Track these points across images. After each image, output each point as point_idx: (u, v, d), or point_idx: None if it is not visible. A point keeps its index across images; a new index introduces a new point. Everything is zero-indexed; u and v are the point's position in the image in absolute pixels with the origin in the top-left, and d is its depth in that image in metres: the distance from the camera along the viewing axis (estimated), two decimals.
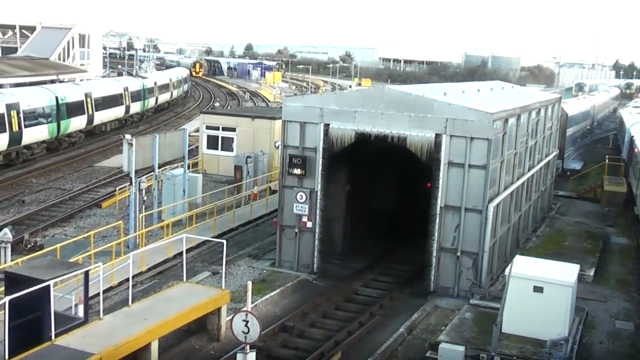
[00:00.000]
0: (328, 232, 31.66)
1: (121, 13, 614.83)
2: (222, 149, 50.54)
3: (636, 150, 48.20)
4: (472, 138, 27.66)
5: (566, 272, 23.96)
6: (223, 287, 24.80)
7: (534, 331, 22.55)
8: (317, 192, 30.35)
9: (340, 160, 30.86)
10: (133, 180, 33.75)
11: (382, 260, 33.40)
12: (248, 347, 18.83)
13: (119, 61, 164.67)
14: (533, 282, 22.90)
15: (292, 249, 31.12)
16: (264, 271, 30.81)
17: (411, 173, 33.49)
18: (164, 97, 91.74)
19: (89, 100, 63.82)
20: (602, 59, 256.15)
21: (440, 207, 28.37)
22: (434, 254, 28.71)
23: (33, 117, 53.62)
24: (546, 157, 42.49)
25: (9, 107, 50.32)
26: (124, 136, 34.85)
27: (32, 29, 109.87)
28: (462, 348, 21.60)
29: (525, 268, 23.54)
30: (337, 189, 32.22)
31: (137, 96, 77.97)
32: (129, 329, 20.20)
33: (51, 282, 18.41)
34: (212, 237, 32.01)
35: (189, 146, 40.52)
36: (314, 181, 30.34)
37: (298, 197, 30.46)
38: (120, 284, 27.65)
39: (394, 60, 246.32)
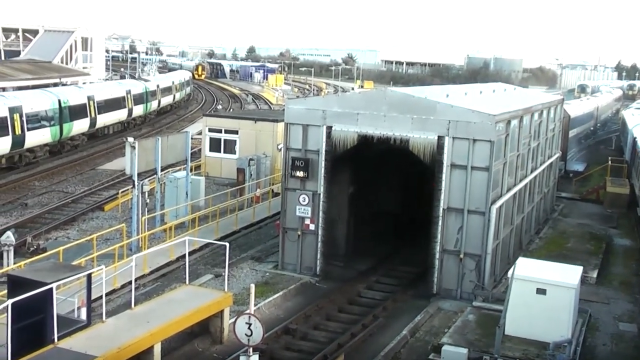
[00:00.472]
0: (331, 235, 31.66)
1: (124, 16, 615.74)
2: (224, 152, 50.58)
3: (639, 151, 48.19)
4: (474, 140, 27.64)
5: (569, 274, 23.93)
6: (226, 289, 24.78)
7: (537, 333, 22.52)
8: (319, 194, 30.34)
9: (343, 163, 30.84)
10: (136, 183, 33.75)
11: (385, 262, 33.37)
12: (251, 349, 18.84)
13: (121, 64, 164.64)
14: (536, 284, 22.88)
15: (295, 252, 31.11)
16: (267, 274, 30.81)
17: (414, 175, 33.48)
18: (166, 100, 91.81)
19: (91, 103, 63.88)
20: (604, 61, 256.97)
21: (443, 209, 28.34)
22: (437, 256, 28.68)
23: (36, 120, 53.65)
24: (549, 158, 42.47)
25: (12, 110, 50.36)
26: (126, 139, 34.88)
27: (35, 32, 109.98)
28: (465, 350, 21.58)
29: (528, 270, 23.51)
30: (340, 191, 32.21)
31: (139, 99, 78.04)
32: (131, 332, 20.20)
33: (54, 285, 18.41)
34: (215, 240, 32.01)
35: (191, 149, 40.48)
36: (316, 183, 30.33)
37: (301, 199, 30.45)
38: (123, 286, 27.62)
39: (396, 63, 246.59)
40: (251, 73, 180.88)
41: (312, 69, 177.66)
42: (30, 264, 26.35)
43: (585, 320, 25.18)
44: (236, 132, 50.36)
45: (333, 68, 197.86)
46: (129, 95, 74.35)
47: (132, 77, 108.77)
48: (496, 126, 27.79)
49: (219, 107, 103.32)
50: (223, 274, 26.95)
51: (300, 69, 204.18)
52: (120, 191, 42.58)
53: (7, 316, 17.16)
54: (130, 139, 34.31)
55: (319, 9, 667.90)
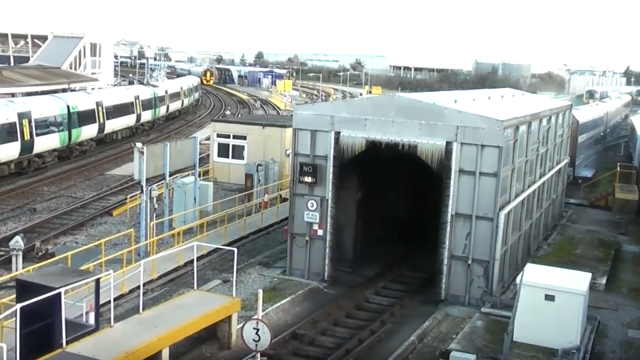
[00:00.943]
0: (339, 240, 31.65)
1: (132, 22, 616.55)
2: (233, 157, 50.62)
3: None
4: (482, 145, 27.60)
5: (578, 281, 23.86)
6: (234, 295, 24.79)
7: (546, 340, 22.45)
8: (327, 200, 30.34)
9: (351, 168, 30.84)
10: (144, 188, 33.82)
11: (393, 268, 33.34)
12: (259, 355, 18.84)
13: (130, 70, 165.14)
14: (544, 291, 22.81)
15: (303, 257, 31.10)
16: (275, 279, 30.81)
17: (422, 180, 33.44)
18: (175, 106, 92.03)
19: (100, 108, 64.06)
20: (613, 66, 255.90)
21: (451, 214, 28.31)
22: (445, 261, 28.64)
23: (45, 126, 53.85)
24: (557, 164, 42.39)
25: (21, 115, 50.55)
26: (135, 144, 34.94)
27: (44, 39, 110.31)
28: (473, 357, 21.55)
29: (537, 276, 23.45)
30: (348, 196, 32.19)
31: (148, 104, 78.23)
32: (139, 337, 20.24)
33: (62, 290, 18.46)
34: (223, 245, 32.03)
35: (199, 154, 40.59)
36: (324, 189, 30.33)
37: (309, 205, 30.46)
38: (131, 291, 27.67)
39: (404, 68, 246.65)
40: (259, 78, 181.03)
41: (320, 75, 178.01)
42: (38, 268, 26.40)
43: (594, 327, 25.10)
44: (244, 138, 50.41)
45: (341, 73, 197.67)
46: (137, 101, 74.52)
47: (141, 82, 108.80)
48: (504, 132, 27.76)
49: (227, 112, 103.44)
50: (231, 279, 26.95)
51: (309, 74, 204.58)
52: (128, 196, 42.66)
53: (16, 320, 17.21)
54: (139, 145, 34.37)
55: (327, 15, 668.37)
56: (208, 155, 53.54)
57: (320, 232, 30.69)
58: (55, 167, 55.50)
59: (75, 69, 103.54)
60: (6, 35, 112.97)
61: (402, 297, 29.66)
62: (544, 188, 38.07)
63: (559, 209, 44.88)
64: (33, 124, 51.76)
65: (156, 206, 36.10)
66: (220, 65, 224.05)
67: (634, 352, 25.25)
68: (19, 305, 17.30)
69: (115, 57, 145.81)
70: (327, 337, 25.47)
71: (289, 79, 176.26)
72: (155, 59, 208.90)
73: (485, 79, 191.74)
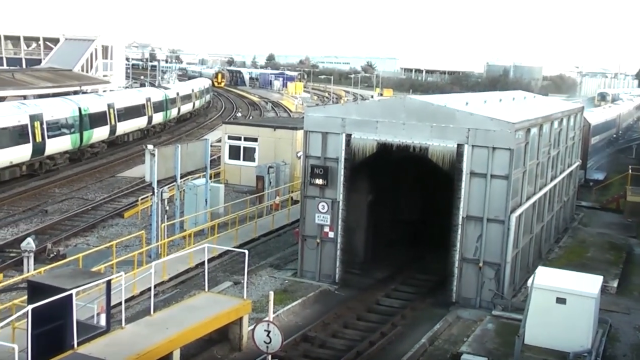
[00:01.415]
0: (350, 242, 31.62)
1: (144, 24, 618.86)
2: (244, 159, 50.66)
3: None
4: (494, 148, 27.54)
5: (589, 284, 23.81)
6: (245, 297, 24.80)
7: (557, 343, 22.42)
8: (338, 202, 30.33)
9: (362, 170, 30.82)
10: (155, 190, 33.89)
11: (404, 270, 33.30)
12: (270, 357, 18.87)
13: (141, 72, 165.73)
14: (556, 294, 22.78)
15: (314, 259, 31.09)
16: (286, 281, 30.81)
17: (433, 183, 33.40)
18: (186, 108, 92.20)
19: (111, 111, 64.26)
20: (624, 68, 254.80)
21: (463, 217, 28.26)
22: (456, 264, 28.58)
23: (56, 128, 54.06)
24: (568, 167, 42.27)
25: (33, 118, 50.74)
26: (146, 146, 35.02)
27: (55, 41, 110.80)
28: (484, 359, 21.51)
29: (548, 279, 23.41)
30: (359, 198, 32.17)
31: (159, 107, 78.42)
32: (150, 338, 20.26)
33: (73, 291, 18.50)
34: (234, 247, 32.10)
35: (211, 156, 40.62)
36: (335, 191, 30.32)
37: (320, 207, 30.45)
38: (142, 293, 27.73)
39: (415, 70, 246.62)
40: (270, 81, 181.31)
41: (332, 77, 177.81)
42: (50, 270, 26.50)
43: (606, 331, 25.04)
44: (255, 140, 50.46)
45: (352, 76, 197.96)
46: (148, 103, 74.72)
47: (152, 84, 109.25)
48: (516, 134, 27.69)
49: (239, 114, 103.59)
50: (242, 281, 26.97)
51: (320, 76, 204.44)
52: (139, 198, 42.74)
53: (28, 322, 17.27)
54: (150, 147, 34.45)
55: (338, 17, 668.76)
56: (219, 158, 53.64)
57: (331, 235, 30.67)
58: (67, 169, 55.68)
59: (87, 72, 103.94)
60: (18, 37, 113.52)
61: (413, 300, 29.60)
62: (555, 191, 37.97)
63: (570, 211, 44.76)
64: (45, 126, 51.95)
65: (167, 208, 36.15)
66: (232, 68, 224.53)
67: None
68: (30, 307, 17.35)
69: (127, 59, 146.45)
70: (338, 339, 25.43)
71: (300, 81, 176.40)
72: (166, 61, 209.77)
73: (496, 81, 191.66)
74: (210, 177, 41.10)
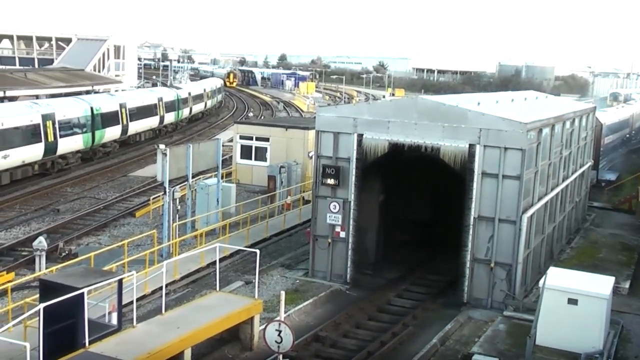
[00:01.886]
0: (361, 242, 31.61)
1: (156, 24, 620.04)
2: (255, 159, 50.71)
3: None
4: (506, 148, 27.48)
5: (601, 285, 23.71)
6: (256, 296, 24.84)
7: (568, 344, 22.33)
8: (350, 202, 30.32)
9: (374, 170, 30.80)
10: (167, 190, 33.95)
11: (415, 271, 33.26)
12: (281, 356, 18.88)
13: (153, 72, 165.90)
14: (567, 294, 22.69)
15: (325, 259, 31.09)
16: (297, 281, 30.82)
17: (444, 183, 33.36)
18: (198, 108, 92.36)
19: (123, 110, 64.42)
20: (637, 68, 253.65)
21: (474, 217, 28.20)
22: (468, 264, 28.53)
23: (68, 127, 54.24)
24: (580, 167, 42.14)
25: (45, 117, 50.92)
26: (158, 146, 35.10)
27: (68, 41, 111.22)
28: None
29: (560, 280, 23.34)
30: (371, 198, 32.16)
31: (171, 106, 78.58)
32: (162, 337, 20.30)
33: (85, 290, 18.55)
34: (246, 247, 32.07)
35: (222, 156, 40.67)
36: (347, 191, 30.31)
37: (331, 207, 30.44)
38: (153, 292, 27.80)
39: (427, 70, 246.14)
40: (282, 80, 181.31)
41: (343, 77, 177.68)
42: (62, 269, 26.55)
43: (617, 332, 24.94)
44: (267, 140, 50.48)
45: (364, 76, 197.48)
46: (160, 103, 74.87)
47: (164, 84, 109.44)
48: (528, 134, 27.63)
49: (250, 114, 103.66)
50: (253, 281, 27.01)
51: (332, 76, 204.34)
52: (151, 198, 42.86)
53: (39, 320, 17.32)
54: (162, 146, 34.52)
55: (350, 17, 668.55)
56: (231, 157, 53.68)
57: (342, 235, 30.66)
58: (79, 169, 55.87)
59: (99, 71, 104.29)
60: (31, 37, 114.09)
61: (424, 300, 29.57)
62: (567, 191, 37.85)
63: (582, 212, 44.61)
64: (57, 126, 52.13)
65: (179, 207, 36.23)
66: (244, 67, 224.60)
67: None
68: (42, 305, 17.40)
69: (139, 59, 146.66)
70: (349, 339, 25.43)
71: (311, 81, 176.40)
72: (178, 61, 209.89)
73: (508, 81, 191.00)
74: (222, 177, 41.14)
